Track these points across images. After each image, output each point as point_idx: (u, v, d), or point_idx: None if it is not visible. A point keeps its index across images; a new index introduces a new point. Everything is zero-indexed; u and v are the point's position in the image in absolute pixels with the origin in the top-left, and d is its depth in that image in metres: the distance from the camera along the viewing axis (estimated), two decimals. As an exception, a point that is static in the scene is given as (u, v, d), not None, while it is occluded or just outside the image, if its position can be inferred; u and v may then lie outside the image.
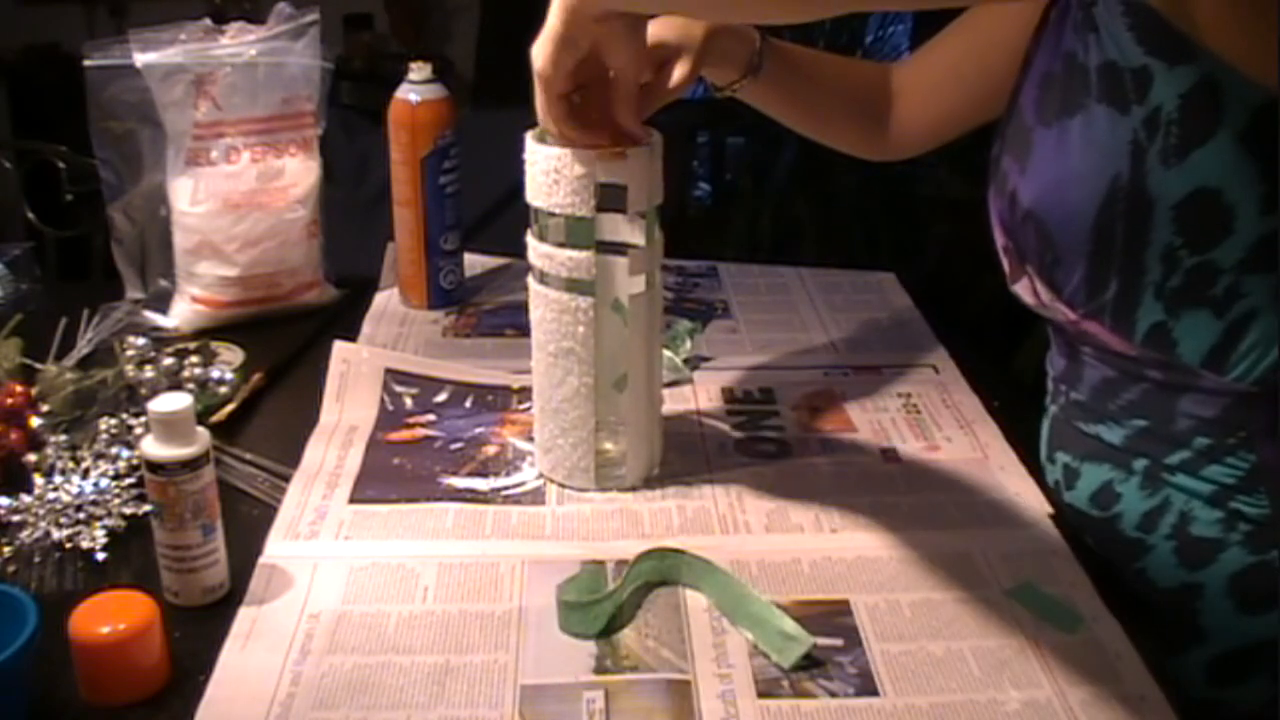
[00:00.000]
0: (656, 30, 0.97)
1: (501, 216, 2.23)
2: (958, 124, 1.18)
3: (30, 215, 2.03)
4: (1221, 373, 0.88)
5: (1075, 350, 0.99)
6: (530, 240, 1.00)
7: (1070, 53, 0.87)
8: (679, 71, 0.99)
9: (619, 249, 0.97)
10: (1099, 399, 0.98)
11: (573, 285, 0.98)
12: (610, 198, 0.95)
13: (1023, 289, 0.98)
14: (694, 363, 1.26)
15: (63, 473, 0.98)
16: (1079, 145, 0.86)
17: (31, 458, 1.01)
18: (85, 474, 0.98)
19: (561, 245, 0.97)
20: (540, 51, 0.86)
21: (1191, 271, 0.85)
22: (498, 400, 1.18)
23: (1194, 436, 0.92)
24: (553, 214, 0.96)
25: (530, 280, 1.01)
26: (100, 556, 0.93)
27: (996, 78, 1.05)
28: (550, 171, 0.94)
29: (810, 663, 0.83)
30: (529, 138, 0.96)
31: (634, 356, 1.01)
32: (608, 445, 1.04)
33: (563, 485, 1.04)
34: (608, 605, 0.86)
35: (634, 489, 1.04)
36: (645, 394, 1.03)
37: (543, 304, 1.00)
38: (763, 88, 1.10)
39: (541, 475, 1.06)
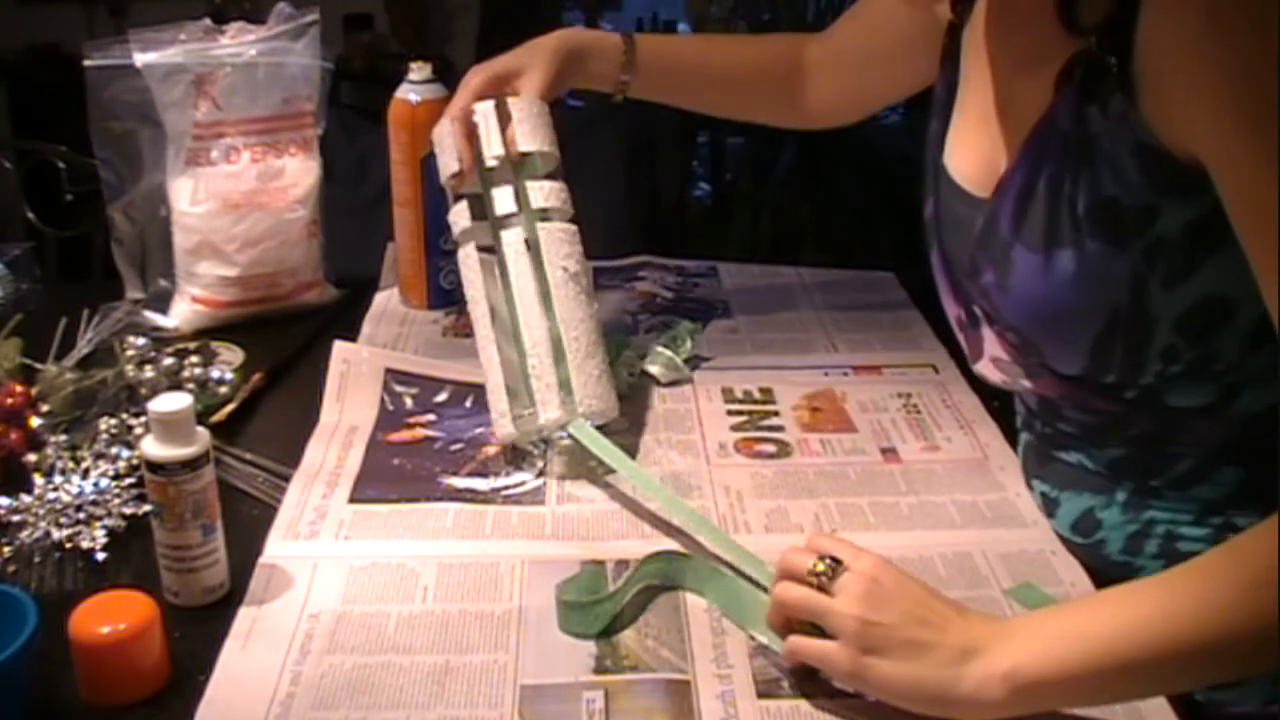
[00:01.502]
0: (511, 60, 1.17)
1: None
2: (872, 100, 1.27)
3: (30, 215, 2.03)
4: (1213, 421, 0.87)
5: (1050, 402, 0.96)
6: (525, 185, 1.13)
7: (1056, 178, 0.82)
8: (527, 84, 1.16)
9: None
10: (1081, 438, 0.95)
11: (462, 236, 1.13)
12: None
13: (986, 369, 0.96)
14: (694, 363, 1.26)
15: (63, 473, 0.98)
16: (1071, 279, 0.82)
17: (31, 458, 1.01)
18: (85, 474, 0.98)
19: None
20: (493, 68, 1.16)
21: (1192, 360, 0.84)
22: (498, 400, 1.18)
23: (1180, 461, 0.90)
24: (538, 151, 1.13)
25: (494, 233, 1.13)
26: (100, 556, 0.93)
27: (894, 63, 1.15)
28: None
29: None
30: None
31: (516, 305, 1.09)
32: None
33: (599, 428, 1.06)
34: (608, 605, 0.86)
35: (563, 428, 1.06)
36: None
37: (551, 236, 1.12)
38: (647, 88, 1.23)
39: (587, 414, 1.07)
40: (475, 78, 1.15)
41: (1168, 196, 0.78)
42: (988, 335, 0.93)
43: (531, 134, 1.13)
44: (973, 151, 0.95)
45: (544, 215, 1.12)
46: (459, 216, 1.14)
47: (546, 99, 1.15)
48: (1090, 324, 0.84)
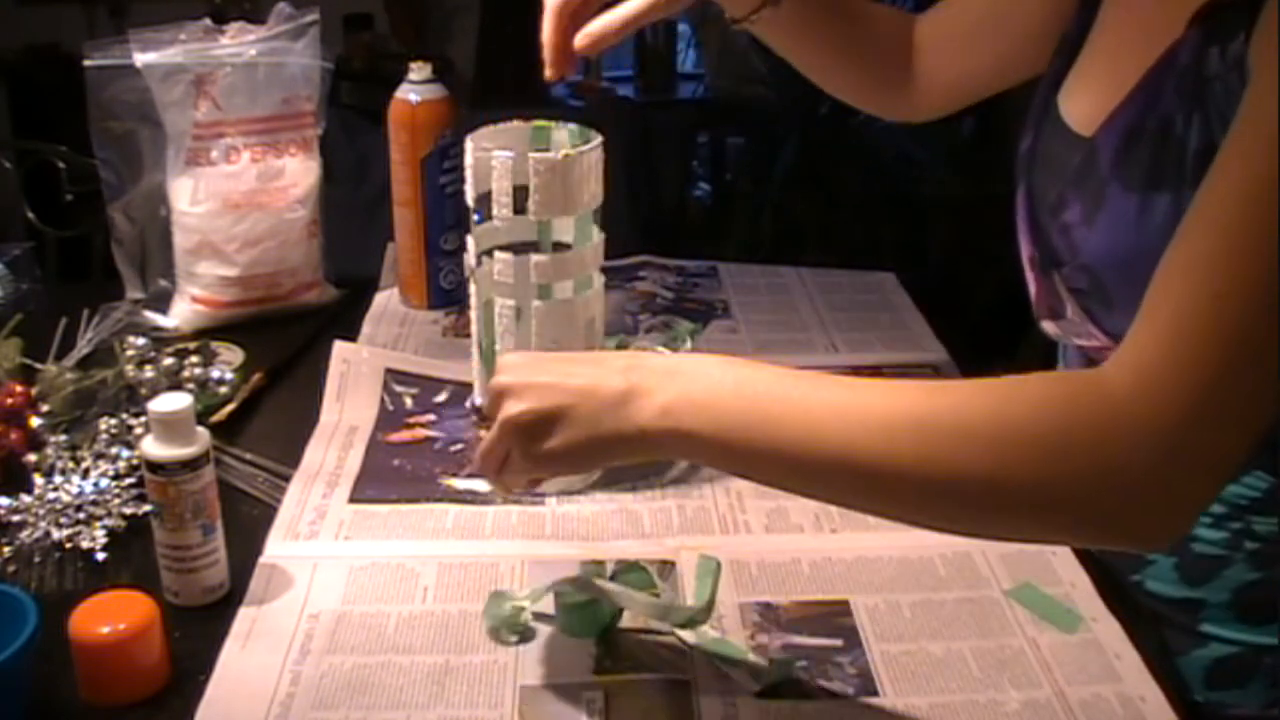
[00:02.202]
0: None
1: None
2: (978, 86, 1.13)
3: (30, 215, 2.03)
4: None
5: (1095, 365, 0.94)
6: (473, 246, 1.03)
7: (1167, 117, 0.80)
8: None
9: (532, 249, 1.01)
10: None
11: (525, 289, 1.00)
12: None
13: (1047, 324, 0.94)
14: (694, 363, 1.25)
15: (63, 473, 0.98)
16: (1163, 224, 0.78)
17: (31, 458, 1.01)
18: (85, 474, 0.98)
19: (510, 247, 1.00)
20: None
21: None
22: (498, 400, 1.18)
23: None
24: (498, 216, 1.00)
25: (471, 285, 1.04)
26: (100, 556, 0.93)
27: (1022, 38, 1.02)
28: (505, 174, 0.98)
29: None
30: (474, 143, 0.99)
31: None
32: None
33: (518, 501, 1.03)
34: (607, 605, 0.86)
35: (580, 491, 1.04)
36: None
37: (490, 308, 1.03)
38: (783, 19, 1.05)
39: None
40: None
41: None
42: (1056, 279, 0.90)
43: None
44: (1091, 93, 0.92)
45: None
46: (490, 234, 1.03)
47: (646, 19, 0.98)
48: None
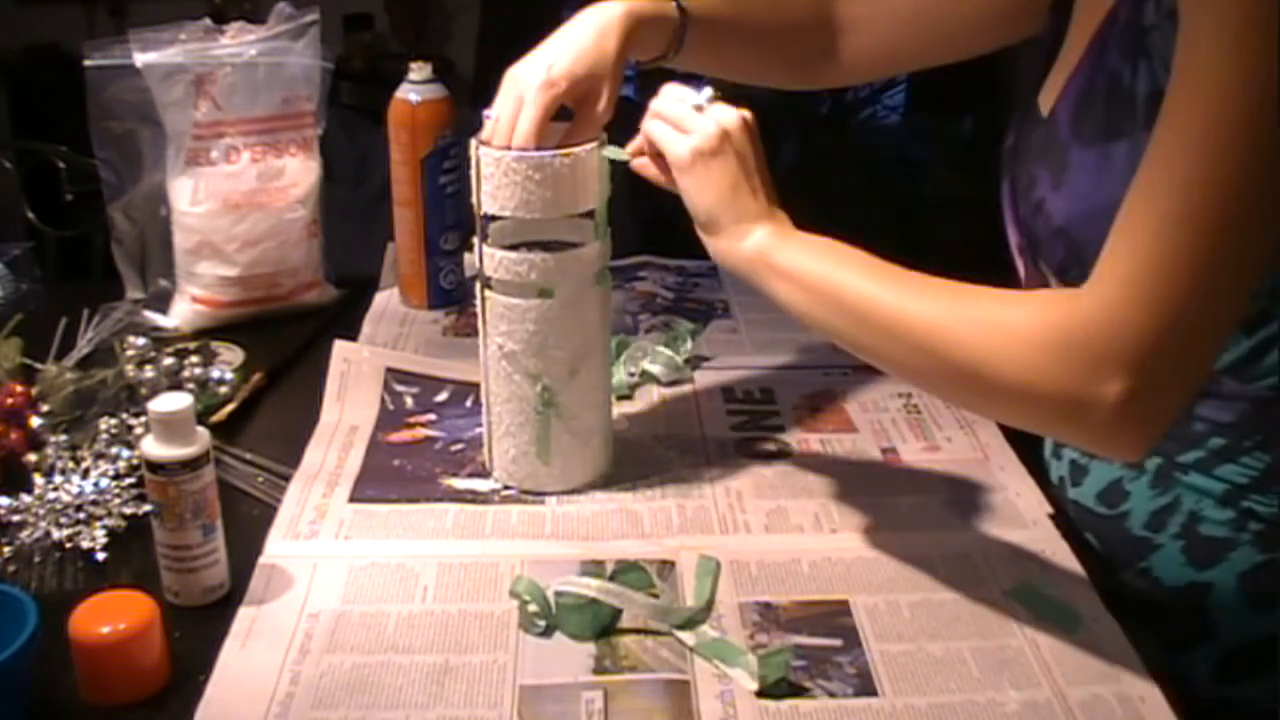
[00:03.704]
0: (575, 67, 0.97)
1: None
2: (908, 62, 1.21)
3: (30, 215, 2.03)
4: (1244, 381, 0.87)
5: None
6: (482, 248, 1.00)
7: (1114, 73, 0.85)
8: (603, 102, 0.99)
9: (564, 247, 1.01)
10: None
11: (527, 287, 0.99)
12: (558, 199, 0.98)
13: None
14: (694, 363, 1.26)
15: (63, 473, 0.98)
16: (1122, 172, 0.82)
17: (31, 458, 1.01)
18: (85, 474, 0.98)
19: (514, 247, 1.00)
20: (563, 83, 0.97)
21: None
22: (498, 400, 1.18)
23: (1210, 437, 0.91)
24: (502, 217, 0.98)
25: (479, 287, 1.02)
26: (100, 556, 0.93)
27: (958, 22, 1.09)
28: (508, 173, 0.96)
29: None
30: (479, 145, 0.97)
31: (581, 354, 1.01)
32: (564, 440, 1.03)
33: (525, 492, 1.03)
34: (606, 606, 0.86)
35: (590, 489, 1.04)
36: (597, 390, 1.04)
37: (493, 309, 1.00)
38: (687, 58, 1.10)
39: (503, 485, 1.05)
40: (546, 95, 0.96)
41: None
42: (1043, 265, 0.94)
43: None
44: (1057, 85, 0.95)
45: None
46: (581, 264, 1.00)
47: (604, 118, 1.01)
48: None
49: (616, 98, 1.00)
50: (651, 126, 0.95)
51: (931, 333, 0.82)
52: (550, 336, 1.00)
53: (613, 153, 0.99)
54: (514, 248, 1.00)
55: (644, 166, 0.98)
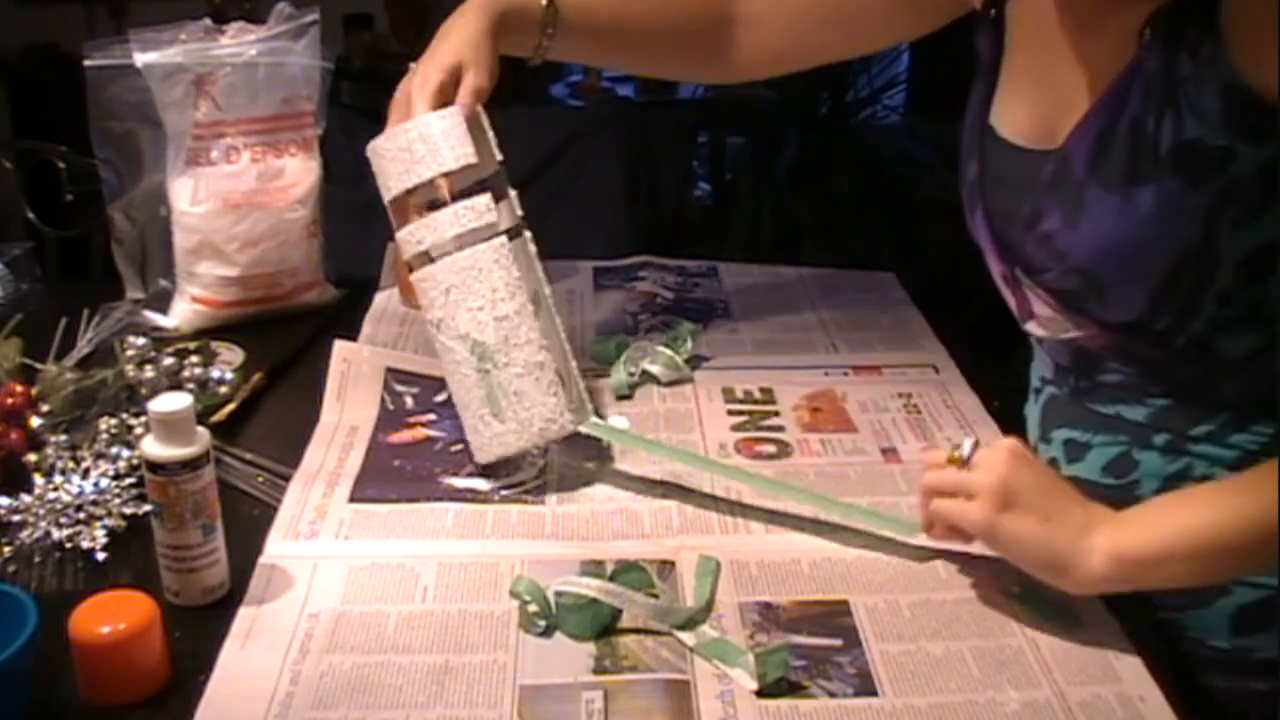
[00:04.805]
0: (441, 57, 1.08)
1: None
2: (815, 55, 1.22)
3: (30, 215, 2.03)
4: (1255, 365, 0.89)
5: (1090, 355, 0.98)
6: (411, 229, 1.05)
7: (1137, 120, 0.86)
8: (468, 78, 1.08)
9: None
10: (1119, 390, 0.97)
11: (472, 235, 1.04)
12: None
13: (1033, 325, 0.99)
14: (694, 363, 1.25)
15: (63, 473, 0.98)
16: (1149, 215, 0.86)
17: (31, 458, 1.01)
18: (85, 474, 0.98)
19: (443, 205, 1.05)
20: (437, 74, 1.07)
21: (1243, 305, 0.87)
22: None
23: (1220, 412, 0.92)
24: (387, 200, 1.07)
25: (420, 273, 1.05)
26: (100, 556, 0.93)
27: (863, 20, 1.14)
28: (378, 158, 1.07)
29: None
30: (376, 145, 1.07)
31: (504, 303, 1.03)
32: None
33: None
34: (606, 606, 0.86)
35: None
36: (531, 340, 1.04)
37: (419, 292, 1.05)
38: (566, 49, 1.17)
39: (483, 466, 1.06)
40: (426, 89, 1.06)
41: (1245, 139, 0.82)
42: (1031, 291, 0.97)
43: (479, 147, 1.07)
44: (1027, 110, 0.97)
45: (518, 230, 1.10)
46: (472, 214, 1.04)
47: (490, 91, 1.09)
48: (1161, 261, 0.87)
49: (489, 76, 1.08)
50: (938, 507, 0.89)
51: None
52: (461, 293, 1.03)
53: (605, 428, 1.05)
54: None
55: (942, 539, 0.93)
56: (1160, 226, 0.86)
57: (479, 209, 1.04)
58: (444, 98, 1.06)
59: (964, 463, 0.88)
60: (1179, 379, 0.93)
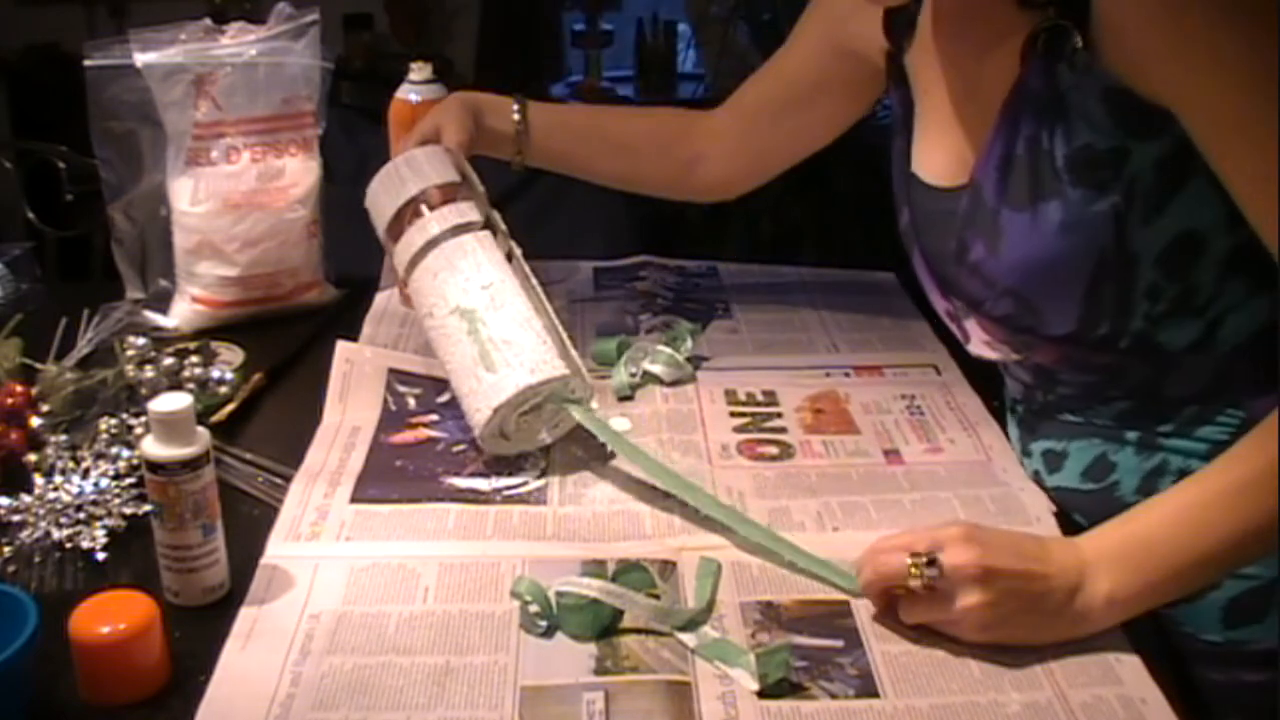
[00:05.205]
0: (427, 125, 1.21)
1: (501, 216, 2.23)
2: (784, 157, 1.30)
3: (30, 215, 2.03)
4: (1204, 355, 0.92)
5: (1046, 371, 1.01)
6: (406, 237, 1.13)
7: (1033, 138, 0.89)
8: (451, 135, 1.20)
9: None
10: (1081, 398, 1.00)
11: (457, 230, 1.11)
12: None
13: (981, 349, 1.03)
14: (695, 363, 1.25)
15: (63, 473, 0.98)
16: (1059, 227, 0.89)
17: (31, 458, 1.01)
18: (85, 474, 0.98)
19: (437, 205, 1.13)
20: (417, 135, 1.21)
21: (1174, 297, 0.90)
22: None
23: (1183, 407, 0.94)
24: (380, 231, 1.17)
25: (413, 274, 1.11)
26: (100, 556, 0.93)
27: (817, 108, 1.21)
28: (410, 162, 1.16)
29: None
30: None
31: (489, 280, 1.09)
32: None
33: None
34: (607, 606, 0.86)
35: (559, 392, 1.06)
36: (516, 300, 1.09)
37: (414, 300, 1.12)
38: (541, 152, 1.28)
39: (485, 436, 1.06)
40: (410, 144, 1.20)
41: (1134, 137, 0.85)
42: (973, 324, 1.00)
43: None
44: (941, 153, 1.01)
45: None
46: (457, 214, 1.13)
47: (466, 153, 1.19)
48: (1081, 270, 0.90)
49: (467, 135, 1.20)
50: (925, 620, 0.85)
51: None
52: (449, 273, 1.09)
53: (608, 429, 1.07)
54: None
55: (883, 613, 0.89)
56: (1071, 238, 0.89)
57: (463, 210, 1.13)
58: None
59: (929, 579, 0.82)
60: (1133, 380, 0.95)
